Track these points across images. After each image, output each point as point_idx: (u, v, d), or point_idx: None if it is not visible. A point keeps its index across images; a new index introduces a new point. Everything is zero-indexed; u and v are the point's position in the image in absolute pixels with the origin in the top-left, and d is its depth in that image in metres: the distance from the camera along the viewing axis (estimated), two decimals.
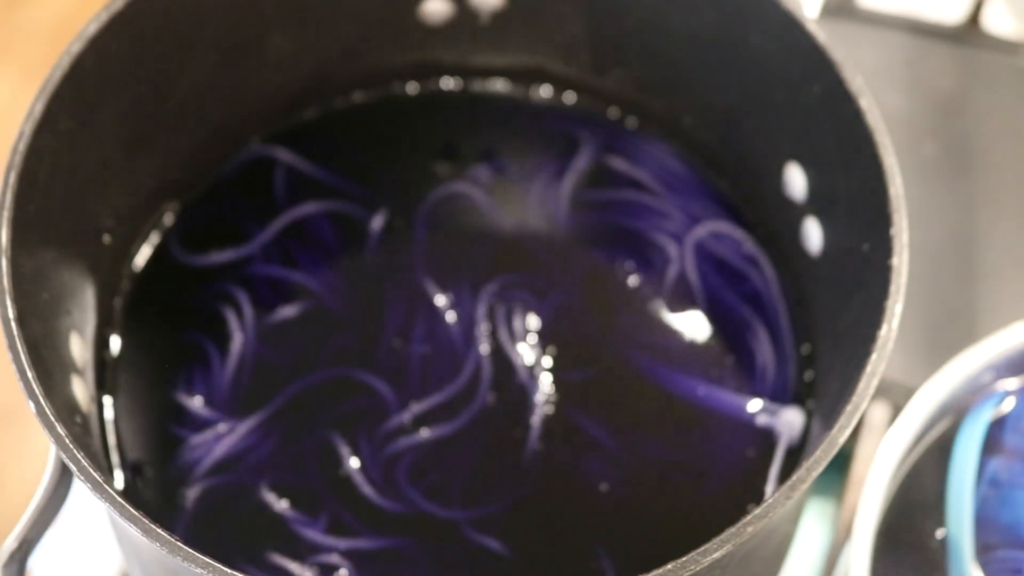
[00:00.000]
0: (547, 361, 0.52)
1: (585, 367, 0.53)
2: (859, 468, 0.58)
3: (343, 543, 0.48)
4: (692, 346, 0.53)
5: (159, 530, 0.36)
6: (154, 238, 0.55)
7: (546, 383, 0.52)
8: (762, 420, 0.51)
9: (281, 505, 0.49)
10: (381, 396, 0.51)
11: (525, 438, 0.50)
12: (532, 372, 0.52)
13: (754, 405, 0.52)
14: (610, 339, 0.53)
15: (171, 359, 0.52)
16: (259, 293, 0.54)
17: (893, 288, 0.41)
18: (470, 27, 0.59)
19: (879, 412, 0.59)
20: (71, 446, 0.38)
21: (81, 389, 0.47)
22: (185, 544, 0.36)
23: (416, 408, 0.51)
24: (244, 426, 0.50)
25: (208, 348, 0.52)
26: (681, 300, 0.55)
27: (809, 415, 0.51)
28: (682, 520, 0.49)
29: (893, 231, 0.42)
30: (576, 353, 0.53)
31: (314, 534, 0.48)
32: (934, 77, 0.68)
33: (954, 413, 0.51)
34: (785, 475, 0.50)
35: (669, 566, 0.36)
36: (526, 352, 0.53)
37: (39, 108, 0.44)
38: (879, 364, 0.40)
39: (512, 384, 0.52)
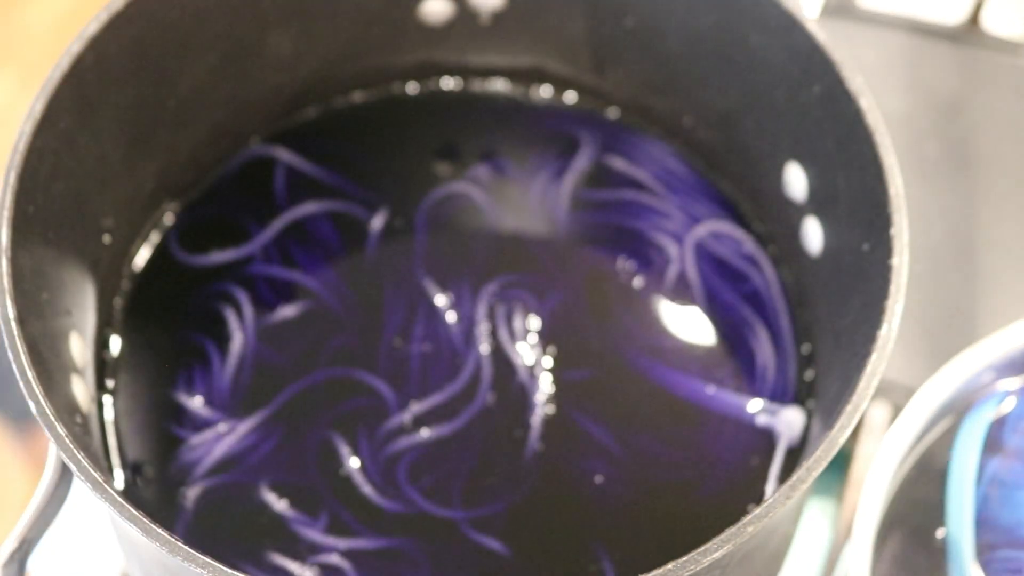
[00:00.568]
0: (547, 361, 0.52)
1: (585, 367, 0.52)
2: (859, 468, 0.58)
3: (343, 543, 0.48)
4: (692, 346, 0.53)
5: (159, 530, 0.36)
6: (154, 238, 0.55)
7: (546, 383, 0.52)
8: (762, 420, 0.51)
9: (281, 505, 0.49)
10: (381, 396, 0.51)
11: (525, 438, 0.50)
12: (532, 372, 0.52)
13: (754, 405, 0.52)
14: (610, 339, 0.53)
15: (171, 359, 0.52)
16: (259, 293, 0.54)
17: (893, 288, 0.41)
18: (470, 27, 0.59)
19: (879, 412, 0.59)
20: (71, 446, 0.38)
21: (81, 389, 0.47)
22: (185, 544, 0.36)
23: (416, 408, 0.51)
24: (244, 426, 0.50)
25: (208, 348, 0.52)
26: (681, 300, 0.55)
27: (809, 415, 0.51)
28: (682, 520, 0.49)
29: (893, 231, 0.42)
30: (576, 353, 0.53)
31: (314, 534, 0.48)
32: (934, 77, 0.68)
33: (954, 413, 0.51)
34: (785, 475, 0.50)
35: (669, 566, 0.36)
36: (526, 352, 0.53)
37: (39, 108, 0.44)
38: (879, 364, 0.40)
39: (512, 384, 0.52)
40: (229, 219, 0.56)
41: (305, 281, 0.55)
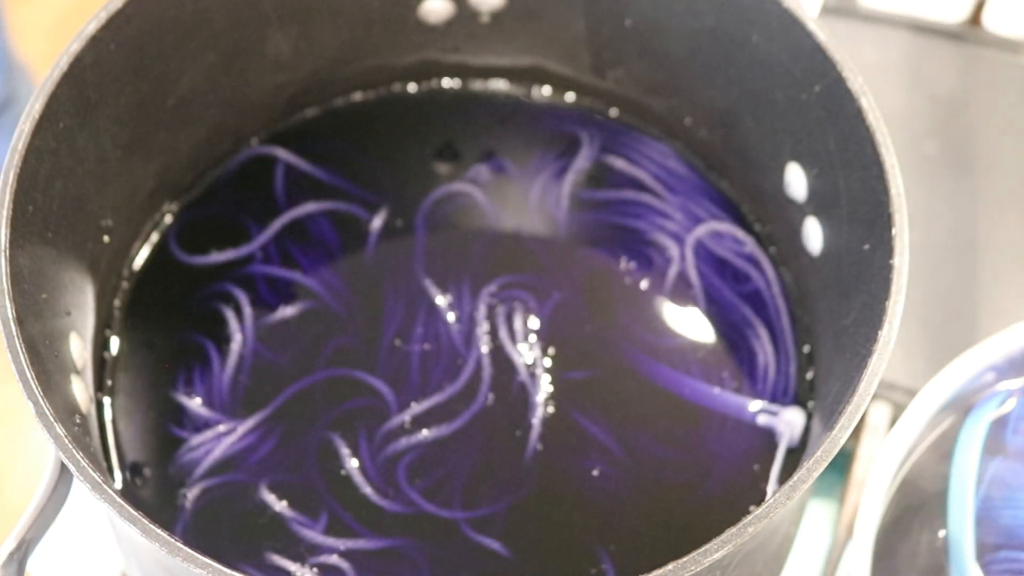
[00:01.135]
0: (547, 361, 0.52)
1: (585, 367, 0.52)
2: (860, 469, 0.58)
3: (343, 543, 0.48)
4: (692, 346, 0.53)
5: (158, 530, 0.36)
6: (154, 238, 0.55)
7: (546, 383, 0.52)
8: (763, 420, 0.51)
9: (281, 506, 0.49)
10: (381, 396, 0.51)
11: (525, 438, 0.50)
12: (532, 372, 0.52)
13: (755, 405, 0.51)
14: (610, 339, 0.53)
15: (171, 359, 0.52)
16: (259, 293, 0.54)
17: (894, 288, 0.41)
18: (470, 27, 0.59)
19: (880, 413, 0.59)
20: (70, 446, 0.38)
21: (81, 389, 0.46)
22: (184, 545, 0.36)
23: (416, 408, 0.51)
24: (244, 426, 0.50)
25: (208, 348, 0.52)
26: (681, 300, 0.54)
27: (810, 415, 0.51)
28: (682, 520, 0.49)
29: (894, 231, 0.42)
30: (576, 353, 0.53)
31: (313, 535, 0.48)
32: (935, 76, 0.68)
33: (955, 413, 0.50)
34: (786, 475, 0.50)
35: (670, 566, 0.36)
36: (526, 352, 0.53)
37: (38, 107, 0.44)
38: (880, 364, 0.40)
39: (512, 384, 0.52)
40: (229, 219, 0.56)
41: (305, 281, 0.55)
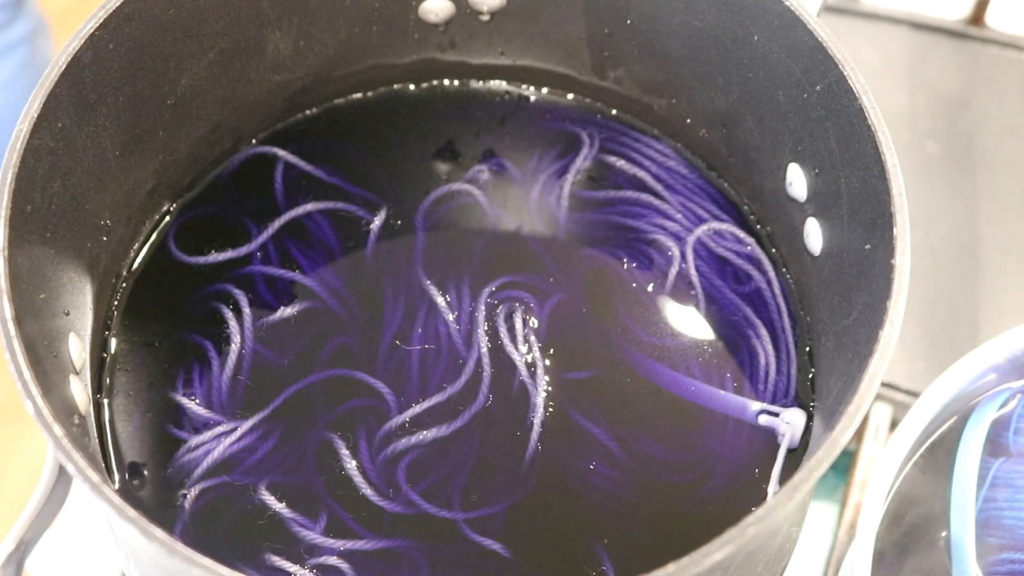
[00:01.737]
0: (547, 361, 0.52)
1: (585, 367, 0.52)
2: (862, 470, 0.58)
3: (342, 544, 0.48)
4: (693, 346, 0.53)
5: (158, 531, 0.36)
6: (153, 238, 0.55)
7: (546, 383, 0.52)
8: (764, 420, 0.51)
9: (280, 506, 0.48)
10: (381, 396, 0.51)
11: (525, 438, 0.50)
12: (532, 372, 0.52)
13: (756, 405, 0.51)
14: (610, 339, 0.53)
15: (170, 360, 0.52)
16: (258, 293, 0.54)
17: (895, 288, 0.41)
18: (470, 27, 0.59)
19: (882, 413, 0.59)
20: (69, 447, 0.38)
21: (79, 390, 0.46)
22: (183, 545, 0.36)
23: (416, 408, 0.51)
24: (243, 427, 0.50)
25: (207, 348, 0.52)
26: (682, 300, 0.54)
27: (811, 416, 0.51)
28: (683, 521, 0.49)
29: (895, 231, 0.42)
30: (576, 353, 0.53)
31: (313, 535, 0.48)
32: (937, 75, 0.68)
33: (958, 415, 0.50)
34: (787, 476, 0.50)
35: (670, 567, 0.35)
36: (526, 352, 0.52)
37: (36, 106, 0.44)
38: (881, 365, 0.40)
39: (512, 384, 0.52)
40: (228, 219, 0.56)
41: (304, 281, 0.54)
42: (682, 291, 0.55)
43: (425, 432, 0.50)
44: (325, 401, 0.51)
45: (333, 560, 0.47)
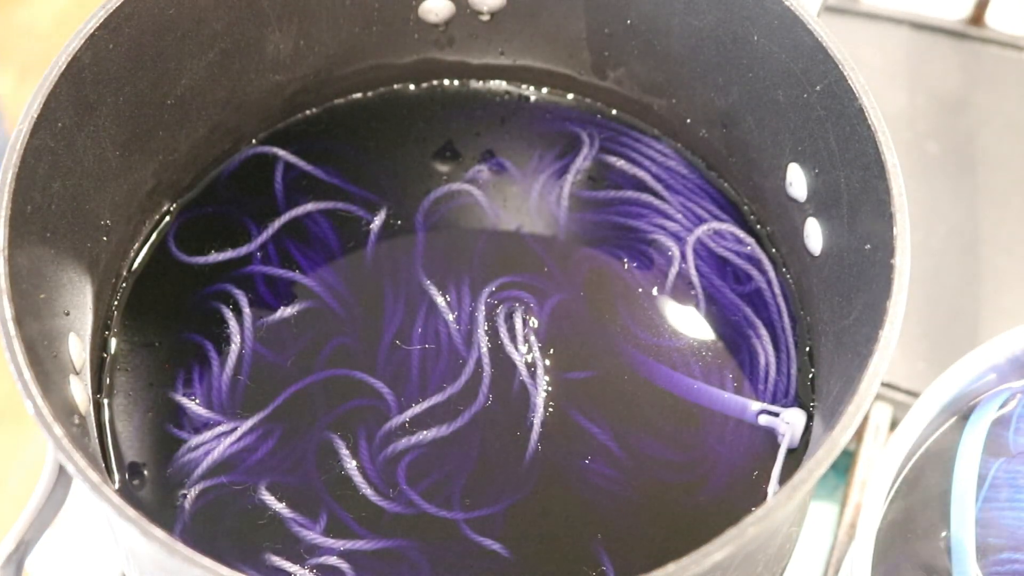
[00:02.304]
0: (547, 361, 0.52)
1: (585, 367, 0.52)
2: (862, 470, 0.58)
3: (342, 544, 0.48)
4: (693, 346, 0.53)
5: (158, 531, 0.36)
6: (153, 238, 0.55)
7: (546, 383, 0.52)
8: (764, 420, 0.51)
9: (280, 506, 0.48)
10: (381, 396, 0.51)
11: (525, 438, 0.50)
12: (532, 372, 0.52)
13: (756, 405, 0.51)
14: (610, 339, 0.53)
15: (170, 360, 0.52)
16: (258, 293, 0.54)
17: (895, 288, 0.41)
18: (470, 27, 0.59)
19: (882, 414, 0.59)
20: (69, 447, 0.38)
21: (79, 390, 0.46)
22: (183, 545, 0.36)
23: (416, 408, 0.51)
24: (243, 427, 0.50)
25: (207, 348, 0.52)
26: (682, 300, 0.54)
27: (811, 416, 0.51)
28: (683, 521, 0.49)
29: (895, 231, 0.42)
30: (576, 353, 0.53)
31: (313, 535, 0.48)
32: (937, 75, 0.68)
33: (958, 414, 0.50)
34: (787, 476, 0.50)
35: (670, 567, 0.35)
36: (526, 352, 0.52)
37: (37, 106, 0.44)
38: (881, 365, 0.40)
39: (512, 384, 0.52)
40: (228, 219, 0.56)
41: (304, 281, 0.54)
42: (682, 291, 0.55)
43: (425, 432, 0.50)
44: (325, 401, 0.51)
45: (333, 560, 0.47)
